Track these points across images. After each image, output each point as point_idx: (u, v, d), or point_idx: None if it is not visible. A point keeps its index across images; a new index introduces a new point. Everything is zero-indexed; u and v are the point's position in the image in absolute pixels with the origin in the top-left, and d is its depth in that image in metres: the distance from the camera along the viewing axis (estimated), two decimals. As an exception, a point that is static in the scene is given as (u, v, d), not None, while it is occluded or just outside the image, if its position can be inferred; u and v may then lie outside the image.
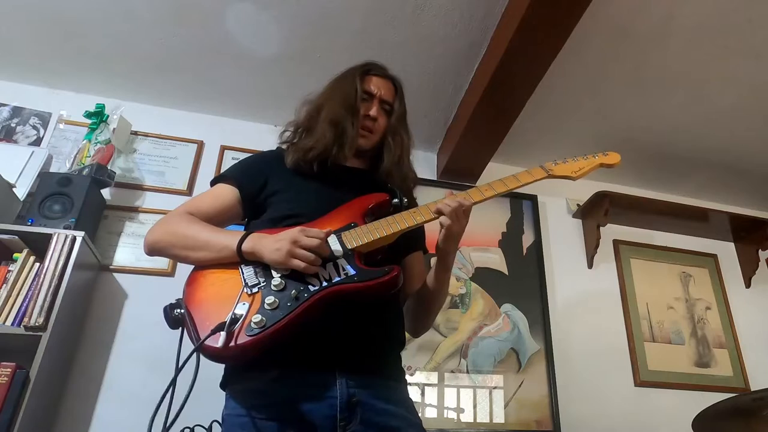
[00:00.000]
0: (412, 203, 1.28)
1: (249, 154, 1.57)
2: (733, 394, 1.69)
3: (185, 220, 1.11)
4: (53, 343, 1.63)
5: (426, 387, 2.15)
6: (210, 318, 0.93)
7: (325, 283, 0.98)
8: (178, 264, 2.09)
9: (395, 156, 1.28)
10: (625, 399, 2.35)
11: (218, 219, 1.17)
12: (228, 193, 1.20)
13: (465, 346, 2.27)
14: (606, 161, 1.26)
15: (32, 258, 1.74)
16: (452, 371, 2.21)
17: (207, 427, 0.92)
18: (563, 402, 2.23)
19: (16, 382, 1.53)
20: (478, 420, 2.14)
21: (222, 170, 1.81)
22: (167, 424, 0.83)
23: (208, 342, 0.89)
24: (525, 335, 2.36)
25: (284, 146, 1.29)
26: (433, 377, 2.18)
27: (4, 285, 1.67)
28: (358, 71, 1.31)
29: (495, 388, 2.22)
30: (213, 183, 1.26)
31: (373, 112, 1.27)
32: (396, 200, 1.20)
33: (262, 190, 1.19)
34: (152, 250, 1.12)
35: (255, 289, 0.97)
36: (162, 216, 1.18)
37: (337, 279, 0.99)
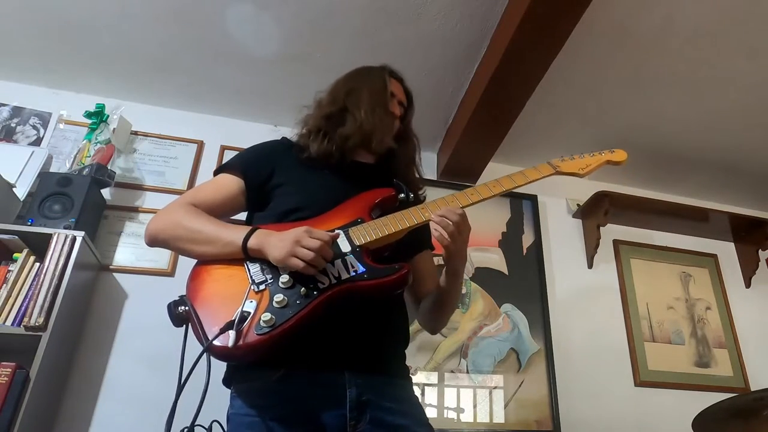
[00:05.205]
0: (419, 199, 1.28)
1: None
2: (733, 394, 1.69)
3: (189, 212, 1.08)
4: (53, 343, 1.63)
5: (426, 387, 2.15)
6: (216, 316, 0.92)
7: (334, 281, 0.97)
8: (178, 264, 2.09)
9: (410, 155, 1.31)
10: (625, 399, 2.35)
11: (221, 210, 1.15)
12: (232, 183, 1.18)
13: (465, 346, 2.27)
14: (613, 158, 1.25)
15: (32, 258, 1.73)
16: (452, 371, 2.21)
17: (207, 427, 0.91)
18: (563, 402, 2.23)
19: (16, 382, 1.52)
20: (478, 420, 2.14)
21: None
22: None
23: (216, 341, 0.88)
24: (525, 335, 2.36)
25: (311, 136, 1.22)
26: (433, 377, 2.18)
27: (4, 285, 1.67)
28: (385, 71, 1.32)
29: (495, 388, 2.22)
30: (216, 172, 1.23)
31: (398, 112, 1.29)
32: (402, 195, 1.17)
33: (268, 181, 1.16)
34: (153, 241, 1.09)
35: (262, 287, 0.96)
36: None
37: (346, 276, 0.98)
